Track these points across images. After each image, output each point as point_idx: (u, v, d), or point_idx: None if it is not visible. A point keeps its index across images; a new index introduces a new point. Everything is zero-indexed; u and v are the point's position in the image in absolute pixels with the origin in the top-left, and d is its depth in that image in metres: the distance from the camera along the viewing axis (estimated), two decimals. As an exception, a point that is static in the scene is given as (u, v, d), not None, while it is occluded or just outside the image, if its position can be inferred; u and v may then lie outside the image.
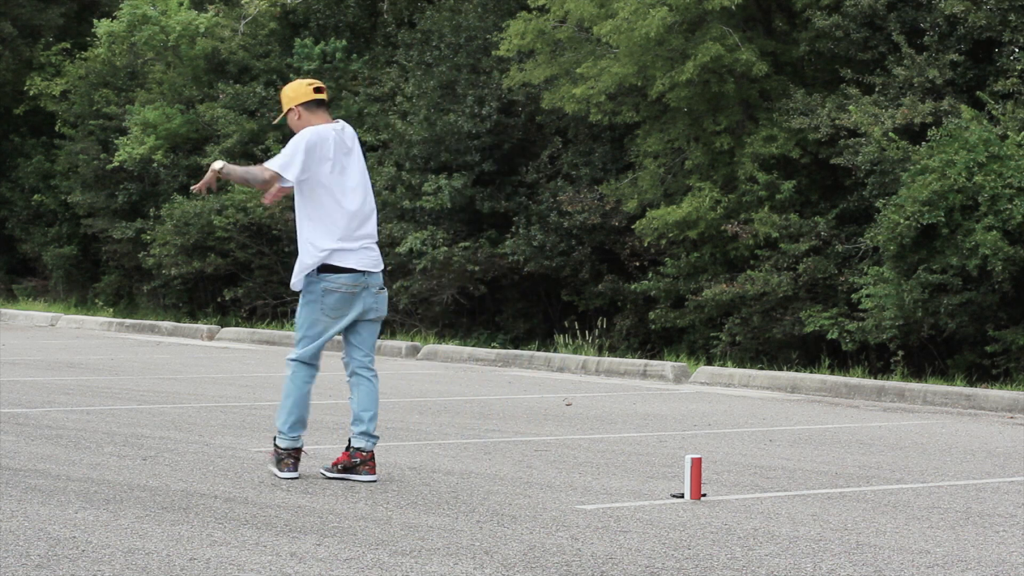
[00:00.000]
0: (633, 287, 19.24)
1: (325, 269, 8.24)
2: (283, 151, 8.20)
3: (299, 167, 8.13)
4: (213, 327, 21.89)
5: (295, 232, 8.46)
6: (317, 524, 6.89)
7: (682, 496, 7.93)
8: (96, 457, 8.90)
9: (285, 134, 24.72)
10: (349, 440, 8.31)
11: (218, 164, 8.11)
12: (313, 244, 8.22)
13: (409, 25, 24.25)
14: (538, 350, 18.99)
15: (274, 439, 8.36)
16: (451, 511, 7.37)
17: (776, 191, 18.06)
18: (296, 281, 8.36)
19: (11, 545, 6.22)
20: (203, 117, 25.46)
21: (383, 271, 8.48)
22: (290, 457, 8.28)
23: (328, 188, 8.19)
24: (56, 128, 28.69)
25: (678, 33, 18.21)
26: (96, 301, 27.54)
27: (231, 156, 24.69)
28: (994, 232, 15.00)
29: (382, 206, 22.06)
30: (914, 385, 14.68)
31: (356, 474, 8.21)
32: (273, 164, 8.19)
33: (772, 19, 19.36)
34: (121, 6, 26.86)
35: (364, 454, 8.23)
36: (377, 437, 8.31)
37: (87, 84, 27.97)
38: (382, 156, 23.06)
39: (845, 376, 15.70)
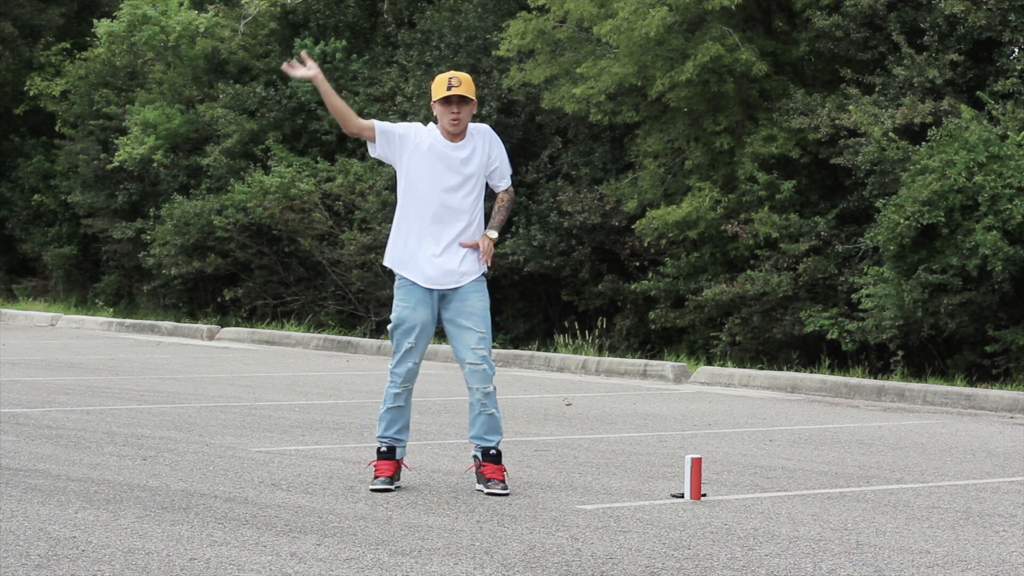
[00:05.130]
0: (633, 287, 19.24)
1: None
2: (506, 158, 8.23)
3: None
4: (213, 327, 21.89)
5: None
6: (317, 524, 6.89)
7: (682, 496, 7.93)
8: (96, 457, 8.90)
9: (284, 134, 24.75)
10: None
11: (493, 234, 8.09)
12: None
13: (409, 25, 24.25)
14: (538, 350, 18.98)
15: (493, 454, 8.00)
16: (451, 511, 7.36)
17: (776, 191, 18.06)
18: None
19: (11, 545, 6.22)
20: (203, 117, 25.46)
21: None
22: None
23: None
24: (56, 128, 28.70)
25: (678, 33, 18.21)
26: (96, 301, 27.54)
27: (231, 156, 24.70)
28: (994, 232, 15.00)
29: (382, 206, 22.07)
30: (914, 385, 14.67)
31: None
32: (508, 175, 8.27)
33: (772, 19, 19.35)
34: (121, 6, 26.86)
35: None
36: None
37: (87, 84, 27.97)
38: (382, 156, 23.04)
39: (845, 376, 15.70)
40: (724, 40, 18.02)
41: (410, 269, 8.01)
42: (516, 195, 20.98)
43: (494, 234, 8.06)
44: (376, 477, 7.96)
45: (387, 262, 8.13)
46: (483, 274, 8.08)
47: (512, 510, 7.43)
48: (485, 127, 8.20)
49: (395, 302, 8.05)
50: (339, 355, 19.09)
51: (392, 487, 7.92)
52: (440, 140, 8.05)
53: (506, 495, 7.84)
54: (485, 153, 8.10)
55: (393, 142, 8.07)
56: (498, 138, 8.21)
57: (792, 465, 9.47)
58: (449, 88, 7.97)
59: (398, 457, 8.05)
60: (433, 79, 8.68)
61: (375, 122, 8.11)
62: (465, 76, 8.06)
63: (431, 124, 8.17)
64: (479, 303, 8.03)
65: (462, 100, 7.98)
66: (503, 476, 7.94)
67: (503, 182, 8.18)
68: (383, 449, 8.03)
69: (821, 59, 18.89)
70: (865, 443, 10.83)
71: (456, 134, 8.05)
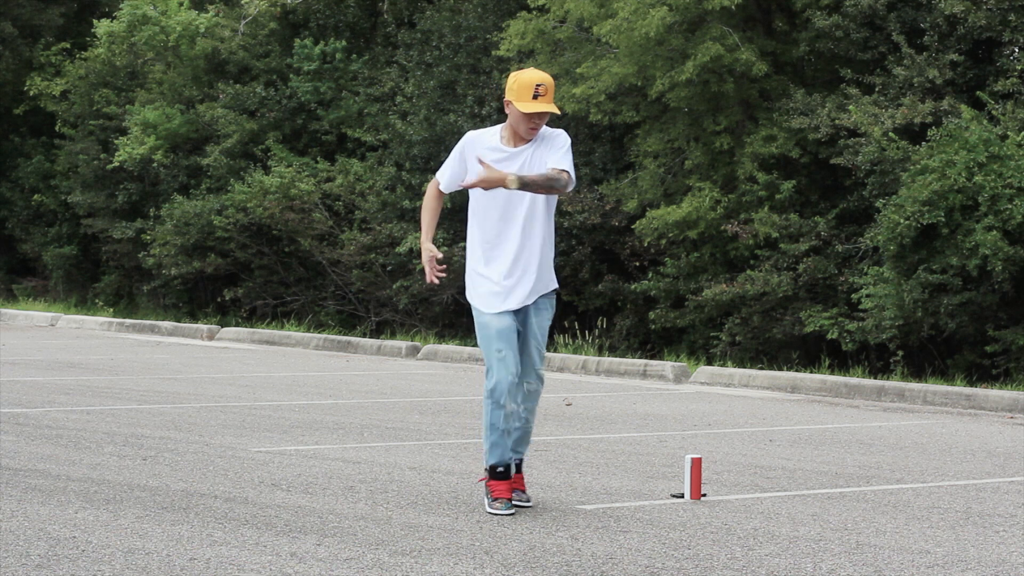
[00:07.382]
0: (633, 287, 19.24)
1: None
2: (569, 156, 7.32)
3: None
4: (213, 327, 21.88)
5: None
6: (317, 524, 6.89)
7: (682, 496, 7.93)
8: (96, 457, 8.90)
9: (285, 134, 24.74)
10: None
11: (512, 175, 7.13)
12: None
13: (409, 25, 24.26)
14: (538, 350, 18.97)
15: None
16: (451, 511, 7.36)
17: (776, 191, 18.07)
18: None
19: (11, 545, 6.22)
20: (203, 117, 25.46)
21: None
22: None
23: None
24: (56, 128, 28.72)
25: (678, 33, 18.21)
26: (96, 301, 27.54)
27: (231, 156, 24.70)
28: (994, 232, 15.00)
29: (382, 206, 22.06)
30: (914, 385, 14.67)
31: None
32: (568, 167, 7.27)
33: (772, 19, 19.36)
34: (121, 6, 26.87)
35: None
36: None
37: (87, 84, 27.98)
38: (382, 156, 23.06)
39: (845, 376, 15.70)
40: (724, 40, 18.02)
41: (487, 300, 7.40)
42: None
43: (513, 176, 7.12)
44: (495, 498, 7.35)
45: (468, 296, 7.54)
46: (555, 290, 7.55)
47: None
48: (555, 134, 7.42)
49: (475, 315, 7.44)
50: (339, 355, 19.08)
51: (513, 510, 7.33)
52: (495, 148, 7.36)
53: (529, 506, 7.56)
54: (539, 159, 7.32)
55: (462, 178, 7.47)
56: (563, 140, 7.39)
57: (792, 465, 9.47)
58: (535, 97, 7.24)
59: (517, 462, 7.52)
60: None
61: (438, 181, 7.56)
62: (550, 81, 7.33)
63: (492, 128, 7.51)
64: (546, 322, 7.50)
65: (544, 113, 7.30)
66: (523, 485, 7.63)
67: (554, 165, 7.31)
68: (500, 469, 7.39)
69: (821, 59, 18.89)
70: (865, 443, 10.83)
71: (527, 139, 7.36)
